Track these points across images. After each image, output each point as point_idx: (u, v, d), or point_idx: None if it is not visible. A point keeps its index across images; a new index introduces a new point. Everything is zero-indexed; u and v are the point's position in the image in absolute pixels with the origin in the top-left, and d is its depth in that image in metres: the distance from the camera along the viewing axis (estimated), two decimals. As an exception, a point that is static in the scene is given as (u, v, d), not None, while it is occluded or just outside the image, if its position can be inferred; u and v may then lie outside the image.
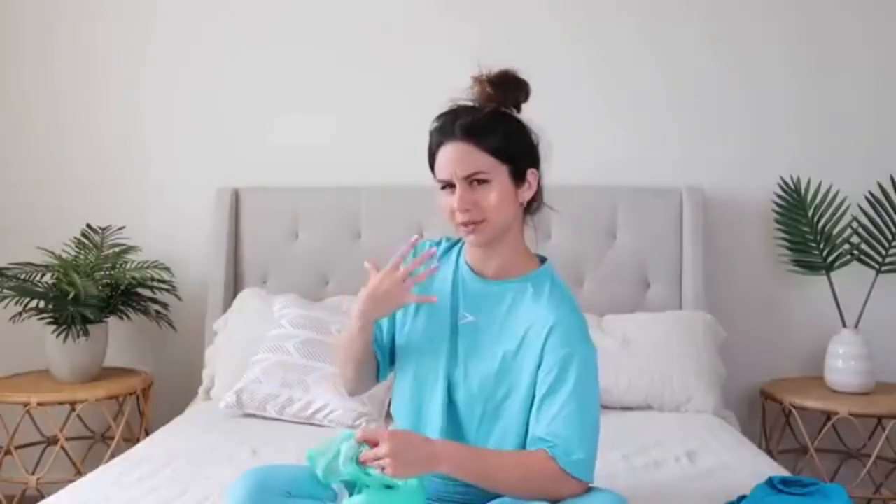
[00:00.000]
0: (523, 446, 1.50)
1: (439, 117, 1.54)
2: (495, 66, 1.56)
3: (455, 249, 1.64)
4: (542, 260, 1.61)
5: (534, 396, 1.48)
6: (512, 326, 1.52)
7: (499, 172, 1.48)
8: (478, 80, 1.54)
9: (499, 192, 1.48)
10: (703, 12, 2.98)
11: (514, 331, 1.52)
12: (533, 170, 1.54)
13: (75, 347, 2.70)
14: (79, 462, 2.78)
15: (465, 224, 1.48)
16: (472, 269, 1.58)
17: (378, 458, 1.35)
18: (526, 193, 1.53)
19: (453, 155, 1.48)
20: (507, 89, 1.53)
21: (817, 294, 2.92)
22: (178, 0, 3.04)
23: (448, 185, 1.49)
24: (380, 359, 1.64)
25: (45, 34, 3.06)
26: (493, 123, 1.50)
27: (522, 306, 1.53)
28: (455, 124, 1.49)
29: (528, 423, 1.50)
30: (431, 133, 1.54)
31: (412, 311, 1.61)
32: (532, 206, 1.58)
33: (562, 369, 1.46)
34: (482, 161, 1.47)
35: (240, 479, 1.48)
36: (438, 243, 1.66)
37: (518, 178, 1.51)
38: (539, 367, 1.48)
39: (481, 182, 1.47)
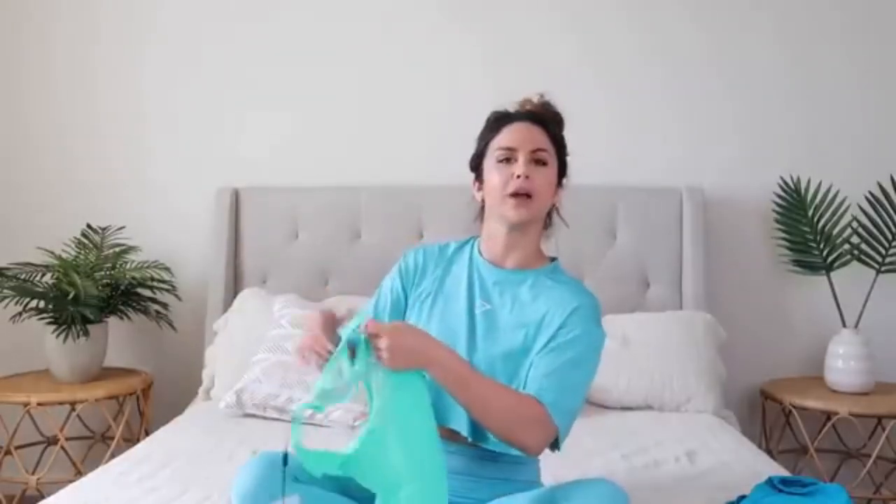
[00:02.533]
0: None
1: (498, 111, 1.64)
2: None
3: (467, 247, 1.70)
4: (552, 259, 1.69)
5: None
6: (532, 308, 1.58)
7: (553, 161, 1.59)
8: (527, 102, 1.64)
9: (550, 177, 1.59)
10: (703, 12, 2.99)
11: (535, 312, 1.57)
12: (565, 179, 1.64)
13: (75, 347, 2.70)
14: (79, 462, 2.78)
15: (517, 194, 1.54)
16: (488, 262, 1.64)
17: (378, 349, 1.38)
18: (558, 196, 1.64)
19: (524, 130, 1.58)
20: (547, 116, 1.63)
21: (817, 294, 2.92)
22: (179, 1, 3.05)
23: (506, 160, 1.57)
24: None
25: (48, 35, 3.06)
26: (556, 120, 1.63)
27: (542, 291, 1.60)
28: (523, 112, 1.61)
29: None
30: (492, 119, 1.63)
31: (427, 307, 1.64)
32: (547, 219, 1.66)
33: (574, 339, 1.53)
34: (547, 142, 1.58)
35: (248, 463, 1.50)
36: (446, 246, 1.71)
37: (560, 177, 1.62)
38: (553, 336, 1.54)
39: (540, 163, 1.57)
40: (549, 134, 1.59)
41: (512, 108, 1.63)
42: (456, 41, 3.00)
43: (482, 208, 1.66)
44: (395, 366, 1.38)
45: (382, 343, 1.37)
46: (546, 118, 1.61)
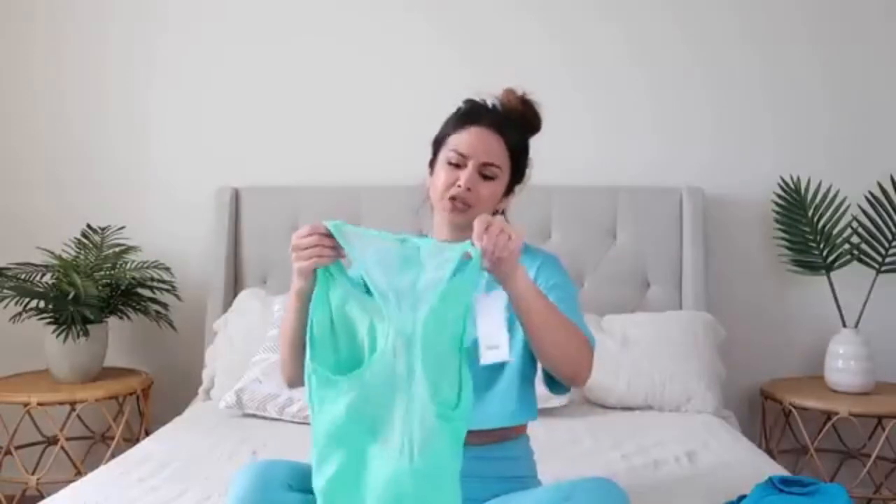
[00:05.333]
0: (526, 380, 1.58)
1: (473, 101, 1.62)
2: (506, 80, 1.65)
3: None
4: None
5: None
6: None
7: (504, 175, 1.59)
8: (510, 94, 1.62)
9: (495, 191, 1.58)
10: (695, 13, 2.98)
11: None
12: (519, 186, 1.65)
13: (75, 347, 2.70)
14: (79, 462, 2.78)
15: (456, 200, 1.55)
16: None
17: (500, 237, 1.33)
18: (504, 204, 1.64)
19: (482, 139, 1.56)
20: (526, 117, 1.62)
21: (817, 294, 2.92)
22: (180, 1, 3.05)
23: (457, 165, 1.56)
24: None
25: (55, 37, 3.07)
26: (522, 131, 1.61)
27: None
28: (492, 113, 1.58)
29: (527, 359, 1.57)
30: (461, 112, 1.61)
31: None
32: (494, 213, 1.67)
33: (554, 285, 1.55)
34: (502, 157, 1.57)
35: (242, 471, 1.49)
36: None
37: (510, 187, 1.62)
38: None
39: (488, 177, 1.56)
40: (509, 145, 1.57)
41: (490, 100, 1.61)
42: (454, 45, 3.00)
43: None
44: (504, 265, 1.34)
45: (514, 236, 1.33)
46: (514, 123, 1.59)
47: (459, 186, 1.54)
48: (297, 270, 1.42)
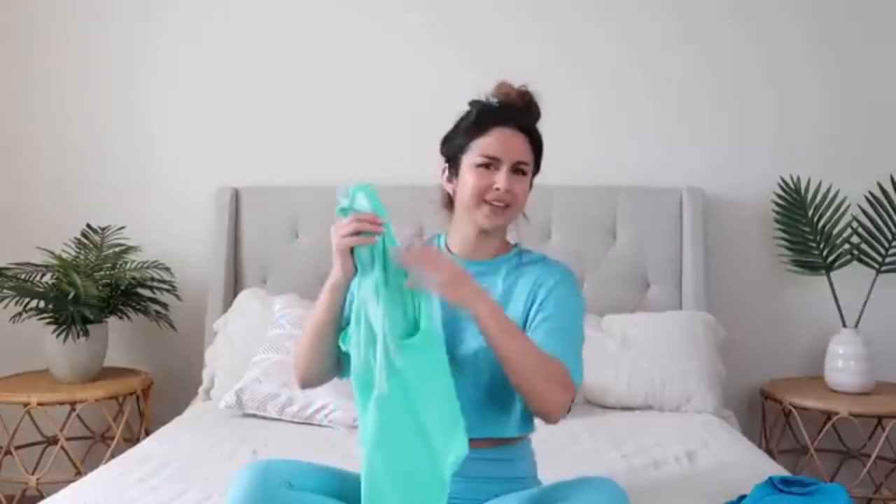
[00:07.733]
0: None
1: (482, 103, 1.61)
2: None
3: (435, 244, 1.69)
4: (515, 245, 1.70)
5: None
6: (513, 293, 1.59)
7: (530, 169, 1.61)
8: (508, 88, 1.62)
9: (527, 187, 1.60)
10: (695, 14, 2.99)
11: (517, 295, 1.59)
12: (535, 178, 1.64)
13: (75, 347, 2.70)
14: (79, 462, 2.78)
15: (496, 203, 1.55)
16: (460, 257, 1.63)
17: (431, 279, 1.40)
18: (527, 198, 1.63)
19: (510, 139, 1.57)
20: (529, 108, 1.63)
21: (817, 294, 2.92)
22: (180, 1, 3.05)
23: (487, 166, 1.56)
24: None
25: (57, 36, 3.06)
26: (536, 114, 1.62)
27: (519, 275, 1.61)
28: (516, 114, 1.59)
29: None
30: (478, 116, 1.60)
31: None
32: None
33: (563, 311, 1.55)
34: (529, 154, 1.59)
35: (242, 470, 1.49)
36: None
37: (531, 181, 1.63)
38: (540, 309, 1.56)
39: (521, 173, 1.58)
40: (531, 141, 1.59)
41: (491, 97, 1.60)
42: (454, 45, 3.00)
43: (449, 199, 1.65)
44: (449, 293, 1.40)
45: (442, 275, 1.40)
46: (529, 118, 1.60)
47: (497, 189, 1.54)
48: (336, 252, 1.50)
